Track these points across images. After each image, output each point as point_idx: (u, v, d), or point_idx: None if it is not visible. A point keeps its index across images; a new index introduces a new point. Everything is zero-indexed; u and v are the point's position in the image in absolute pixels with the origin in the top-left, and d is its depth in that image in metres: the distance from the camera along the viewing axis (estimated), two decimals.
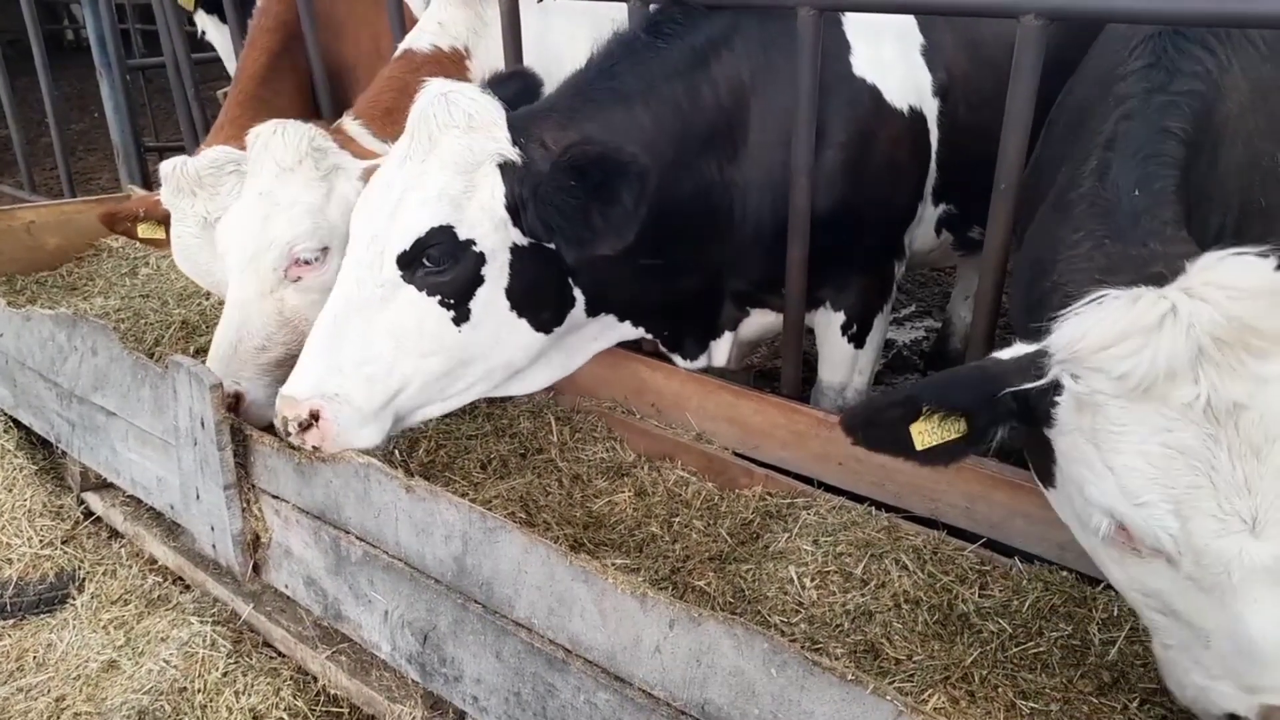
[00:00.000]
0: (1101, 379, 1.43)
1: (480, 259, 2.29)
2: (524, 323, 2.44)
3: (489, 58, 3.22)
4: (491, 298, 2.34)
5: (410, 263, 2.25)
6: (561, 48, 3.30)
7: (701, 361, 2.99)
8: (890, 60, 2.79)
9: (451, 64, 3.14)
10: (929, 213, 3.08)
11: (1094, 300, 1.46)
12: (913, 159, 2.88)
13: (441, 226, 2.23)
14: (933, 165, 2.94)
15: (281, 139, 2.66)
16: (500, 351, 2.45)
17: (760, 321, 2.99)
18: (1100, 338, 1.42)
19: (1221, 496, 1.39)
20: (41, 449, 3.25)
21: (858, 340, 3.03)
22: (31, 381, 3.08)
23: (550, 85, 3.19)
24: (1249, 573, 1.40)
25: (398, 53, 3.22)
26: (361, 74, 3.47)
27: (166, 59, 5.16)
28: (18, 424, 3.26)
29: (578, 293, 2.58)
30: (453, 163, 2.24)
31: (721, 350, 3.01)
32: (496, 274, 2.33)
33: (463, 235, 2.25)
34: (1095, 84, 2.22)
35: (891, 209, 2.92)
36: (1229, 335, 1.36)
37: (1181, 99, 1.90)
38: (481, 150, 2.25)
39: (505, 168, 2.26)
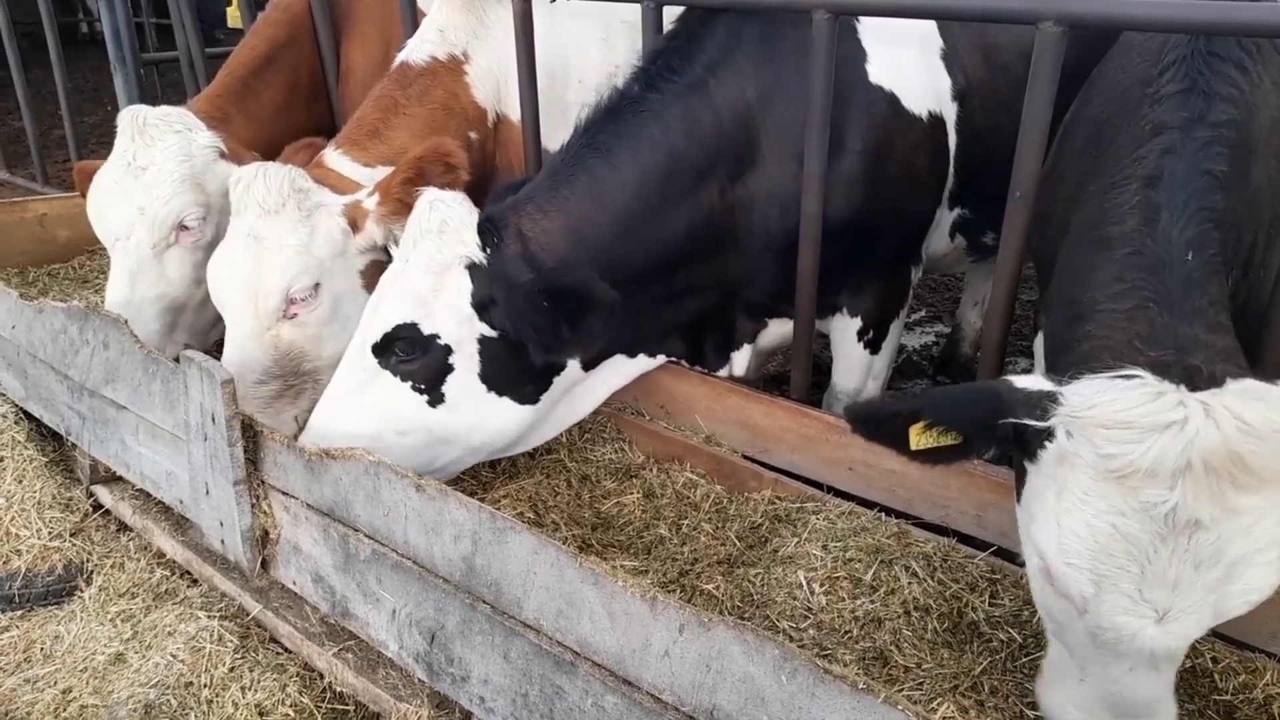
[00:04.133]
0: (1089, 449, 1.48)
1: (446, 350, 2.45)
2: (506, 400, 2.55)
3: (489, 60, 3.22)
4: (465, 382, 2.49)
5: (383, 352, 2.47)
6: (568, 49, 3.30)
7: (722, 373, 2.99)
8: (909, 66, 2.78)
9: (448, 73, 3.15)
10: (944, 217, 3.07)
11: (1124, 375, 1.49)
12: (932, 165, 2.87)
13: (407, 323, 2.43)
14: (950, 170, 2.93)
15: (263, 182, 2.73)
16: (486, 427, 2.56)
17: (779, 331, 2.99)
18: (1106, 415, 1.46)
19: (1145, 584, 1.46)
20: (52, 441, 3.25)
21: (873, 346, 3.02)
22: (43, 374, 3.09)
23: (558, 86, 3.21)
24: (1138, 649, 1.51)
25: (394, 65, 3.21)
26: (371, 78, 3.45)
27: (180, 54, 5.18)
28: (28, 416, 3.27)
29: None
30: (423, 264, 2.45)
31: (741, 361, 3.01)
32: (466, 362, 2.48)
33: (426, 330, 2.43)
34: (1118, 97, 2.19)
35: (911, 215, 2.91)
36: (1221, 465, 1.39)
37: (1221, 130, 1.89)
38: (450, 253, 2.43)
39: (474, 269, 2.43)
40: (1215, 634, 2.02)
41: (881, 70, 2.73)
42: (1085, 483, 1.49)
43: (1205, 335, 1.62)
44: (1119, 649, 1.52)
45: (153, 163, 3.12)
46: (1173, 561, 1.44)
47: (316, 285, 2.78)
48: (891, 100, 2.73)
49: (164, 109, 3.22)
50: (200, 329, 3.34)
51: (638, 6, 2.87)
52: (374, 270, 2.85)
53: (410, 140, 3.00)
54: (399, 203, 2.73)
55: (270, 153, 3.41)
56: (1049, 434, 1.55)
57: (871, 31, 2.77)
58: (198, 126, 3.21)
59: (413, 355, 2.44)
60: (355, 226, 2.82)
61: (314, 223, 2.78)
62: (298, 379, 2.84)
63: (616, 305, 2.31)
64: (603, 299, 2.30)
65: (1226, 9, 1.92)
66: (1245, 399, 1.43)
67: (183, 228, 3.15)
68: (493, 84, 3.23)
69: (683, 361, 2.95)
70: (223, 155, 3.22)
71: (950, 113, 2.88)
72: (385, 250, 2.90)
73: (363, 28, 3.86)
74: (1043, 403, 1.55)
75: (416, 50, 3.18)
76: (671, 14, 2.85)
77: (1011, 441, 1.63)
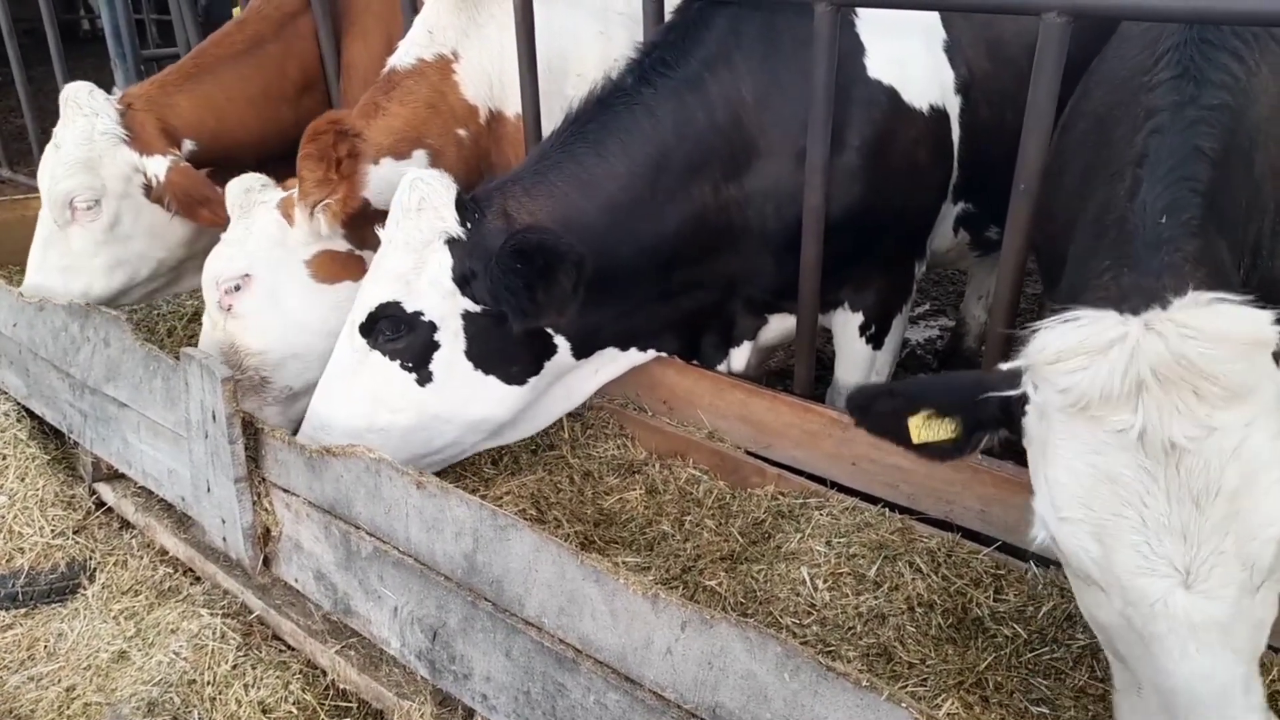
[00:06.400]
0: (1050, 390, 1.47)
1: (431, 327, 2.47)
2: (493, 379, 2.56)
3: (481, 58, 3.20)
4: (451, 359, 2.50)
5: (369, 332, 2.49)
6: (566, 43, 3.28)
7: (720, 369, 2.98)
8: (911, 59, 2.76)
9: (436, 73, 3.14)
10: (948, 211, 3.05)
11: (1068, 318, 1.48)
12: (935, 158, 2.84)
13: (390, 301, 2.46)
14: (954, 164, 2.91)
15: (227, 192, 2.96)
16: (475, 407, 2.57)
17: (780, 326, 2.98)
18: (1054, 351, 1.46)
19: (1151, 536, 1.36)
20: (54, 439, 3.25)
21: (876, 341, 3.01)
22: (44, 372, 3.09)
23: (555, 80, 3.19)
24: (1176, 624, 1.36)
25: (384, 71, 3.20)
26: (372, 74, 3.44)
27: (180, 50, 5.16)
28: (30, 414, 3.27)
29: (560, 340, 2.63)
30: (404, 243, 2.47)
31: (740, 358, 3.00)
32: (451, 338, 2.49)
33: (410, 307, 2.45)
34: (1116, 88, 2.17)
35: (914, 210, 2.89)
36: (1174, 374, 1.35)
37: (1211, 113, 1.87)
38: (429, 229, 2.45)
39: (453, 243, 2.45)
40: None
41: (880, 64, 2.70)
42: (1057, 428, 1.47)
43: (1173, 282, 1.56)
44: (1157, 626, 1.36)
45: (63, 142, 3.29)
46: (1171, 503, 1.35)
47: (246, 275, 2.85)
48: (891, 94, 2.70)
49: (85, 93, 3.34)
50: (116, 300, 3.49)
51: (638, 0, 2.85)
52: (325, 261, 2.91)
53: (390, 140, 3.02)
54: (308, 182, 2.76)
55: (231, 142, 3.54)
56: (1026, 401, 1.56)
57: (870, 25, 2.74)
58: (104, 111, 3.33)
59: (398, 334, 2.46)
60: (290, 218, 2.88)
61: (251, 218, 2.90)
62: (244, 375, 2.87)
63: (584, 261, 2.31)
64: (569, 253, 2.30)
65: None
66: (1190, 308, 1.40)
67: (73, 208, 3.30)
68: (485, 81, 3.22)
69: (678, 359, 2.94)
70: (125, 142, 3.33)
71: (954, 106, 2.86)
72: (351, 241, 2.95)
73: (364, 22, 3.85)
74: (1015, 374, 1.57)
75: (404, 55, 3.18)
76: (671, 3, 2.83)
77: (1003, 422, 1.63)
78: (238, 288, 2.86)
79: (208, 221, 3.32)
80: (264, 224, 2.89)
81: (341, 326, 2.78)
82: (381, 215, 2.98)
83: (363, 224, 2.95)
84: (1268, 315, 1.37)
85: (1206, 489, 1.33)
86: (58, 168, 3.27)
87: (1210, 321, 1.36)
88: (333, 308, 2.89)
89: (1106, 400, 1.38)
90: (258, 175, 2.99)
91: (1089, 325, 1.44)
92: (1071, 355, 1.43)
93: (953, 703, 1.84)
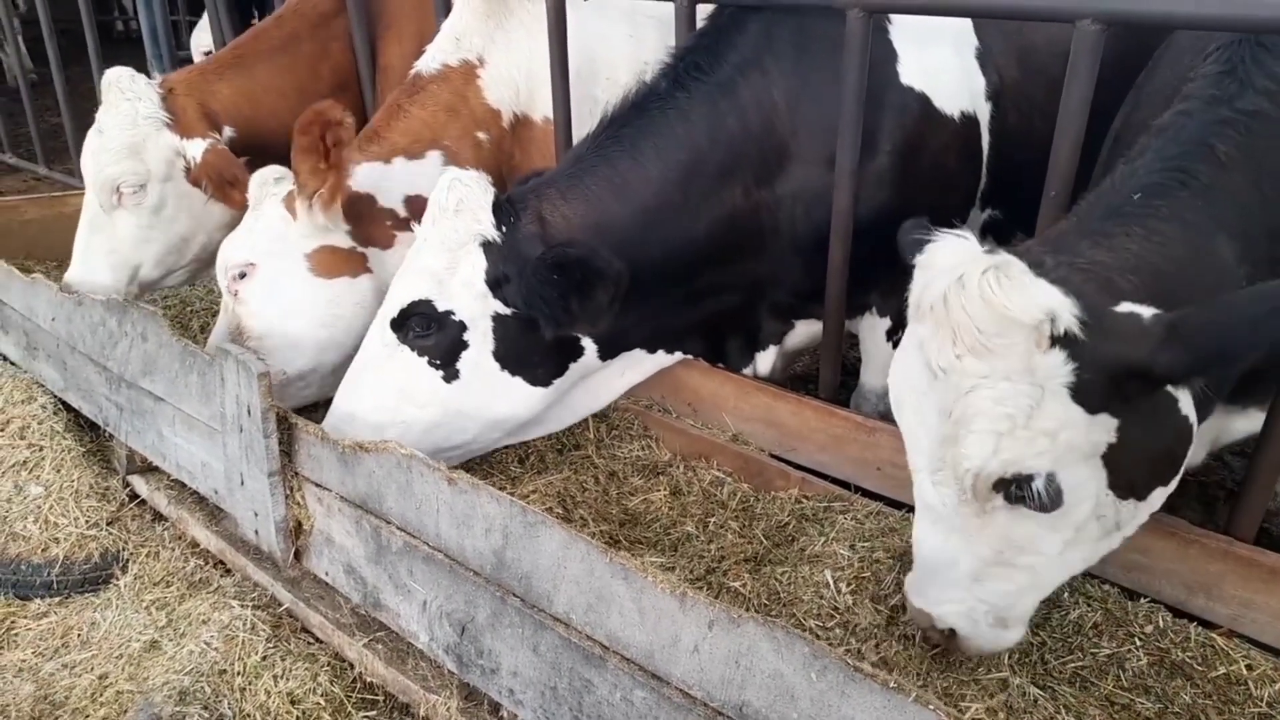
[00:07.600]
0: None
1: (461, 326, 2.52)
2: (518, 380, 2.60)
3: (506, 62, 3.25)
4: (479, 359, 2.55)
5: (400, 327, 2.55)
6: (595, 47, 3.31)
7: (746, 373, 2.99)
8: (942, 65, 2.76)
9: (460, 77, 3.19)
10: (975, 218, 3.05)
11: (980, 249, 1.66)
12: (964, 164, 2.85)
13: (422, 299, 2.51)
14: (984, 170, 2.91)
15: (250, 184, 3.08)
16: (499, 405, 2.61)
17: (807, 331, 2.99)
18: (923, 259, 1.71)
19: (915, 427, 1.71)
20: (89, 431, 3.30)
21: None
22: (81, 365, 3.15)
23: (584, 84, 3.22)
24: (919, 493, 1.77)
25: (409, 76, 3.25)
26: (407, 74, 3.49)
27: (215, 50, 5.23)
28: (67, 407, 3.33)
29: (587, 343, 2.66)
30: (440, 243, 2.52)
31: (765, 362, 3.01)
32: (480, 339, 2.54)
33: (441, 306, 2.50)
34: (1168, 99, 2.13)
35: (943, 215, 2.88)
36: (939, 313, 1.60)
37: (1242, 118, 1.86)
38: (465, 231, 2.49)
39: (488, 246, 2.49)
40: (1249, 640, 2.00)
41: (912, 70, 2.71)
42: (909, 316, 1.74)
43: (1089, 249, 1.66)
44: (915, 479, 1.77)
45: (106, 128, 3.34)
46: (926, 408, 1.65)
47: (251, 264, 2.95)
48: (923, 101, 2.71)
49: (128, 78, 3.41)
50: (158, 283, 3.63)
51: (670, 6, 2.87)
52: (324, 255, 2.97)
53: (405, 140, 3.08)
54: (303, 174, 2.82)
55: (266, 132, 3.60)
56: None
57: (902, 32, 2.75)
58: (147, 96, 3.39)
59: (428, 331, 2.51)
60: (293, 212, 2.95)
61: (262, 209, 2.99)
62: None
63: (622, 277, 2.35)
64: (608, 269, 2.33)
65: (1275, 6, 1.88)
66: (1004, 269, 1.55)
67: (119, 192, 3.38)
68: (510, 86, 3.26)
69: (703, 361, 2.95)
70: (168, 126, 3.41)
71: (984, 113, 2.86)
72: (355, 238, 3.01)
73: (399, 24, 3.90)
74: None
75: (430, 61, 3.23)
76: (704, 11, 2.85)
77: None
78: (243, 275, 2.95)
79: (239, 204, 3.38)
80: (270, 216, 2.97)
81: (338, 320, 2.92)
82: (388, 212, 3.04)
83: (368, 220, 3.01)
84: (1051, 303, 1.52)
85: (944, 411, 1.61)
86: (103, 153, 3.34)
87: (991, 285, 1.54)
88: (329, 301, 2.97)
89: (918, 312, 1.67)
90: (277, 168, 3.05)
91: (949, 249, 1.65)
92: (928, 266, 1.68)
93: (977, 708, 1.84)
